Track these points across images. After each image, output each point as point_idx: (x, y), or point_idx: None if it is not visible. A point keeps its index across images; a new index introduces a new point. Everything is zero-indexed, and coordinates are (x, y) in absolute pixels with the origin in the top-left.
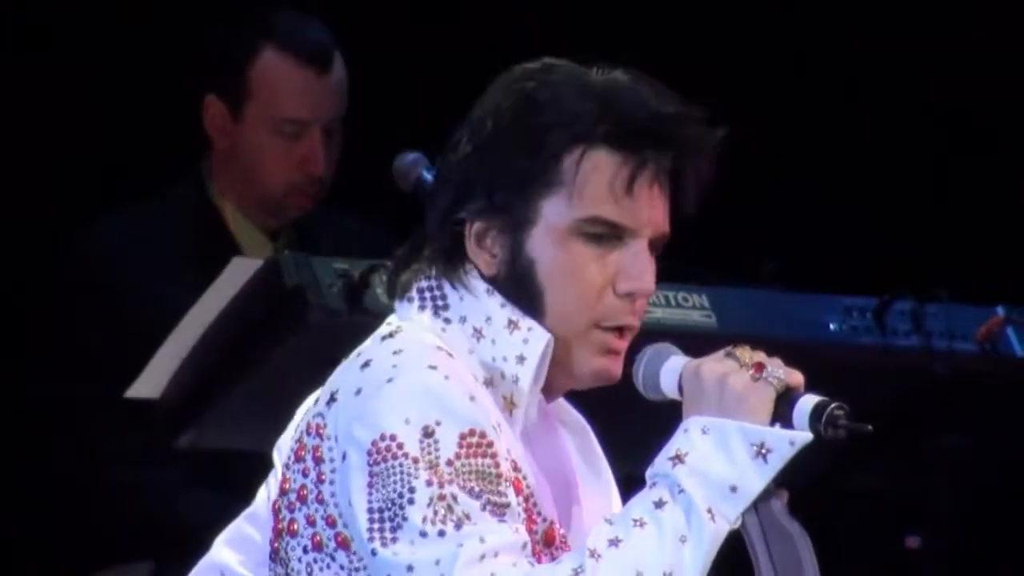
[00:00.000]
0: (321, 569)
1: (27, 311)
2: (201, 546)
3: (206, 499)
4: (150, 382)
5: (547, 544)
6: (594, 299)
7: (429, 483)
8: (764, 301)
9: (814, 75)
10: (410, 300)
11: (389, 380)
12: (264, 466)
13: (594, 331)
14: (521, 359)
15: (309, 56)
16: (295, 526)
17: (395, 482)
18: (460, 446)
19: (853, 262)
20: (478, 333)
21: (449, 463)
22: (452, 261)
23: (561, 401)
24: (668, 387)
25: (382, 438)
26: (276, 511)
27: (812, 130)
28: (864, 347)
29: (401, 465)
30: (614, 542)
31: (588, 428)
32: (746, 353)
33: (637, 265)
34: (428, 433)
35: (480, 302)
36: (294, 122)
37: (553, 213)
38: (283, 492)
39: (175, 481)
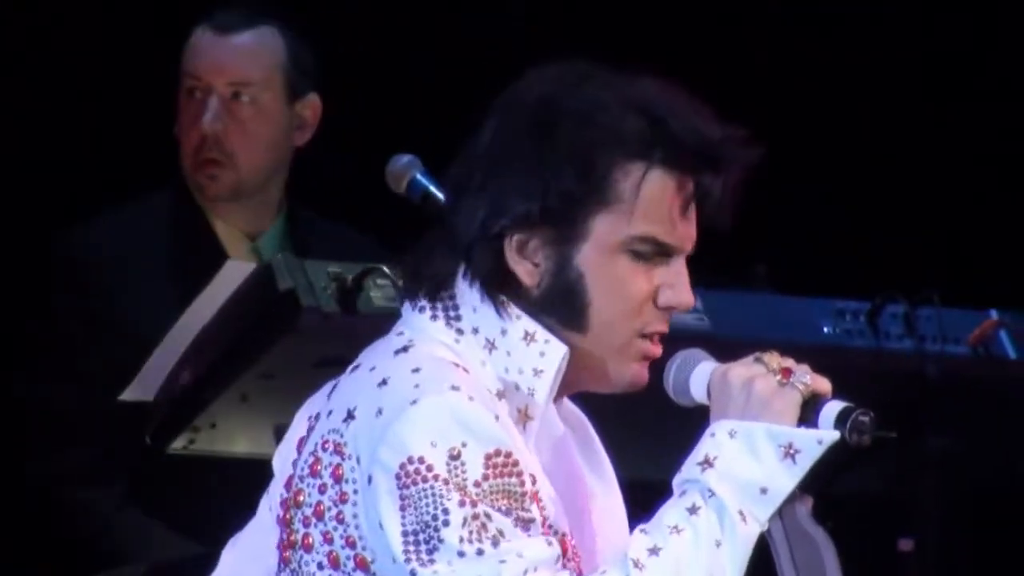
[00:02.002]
0: None
1: (7, 315)
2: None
3: (142, 522)
4: (144, 385)
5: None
6: (638, 310)
7: (462, 504)
8: (757, 304)
9: (807, 78)
10: (422, 309)
11: (413, 402)
12: (222, 478)
13: (636, 340)
14: (538, 372)
15: (215, 21)
16: (310, 540)
17: (428, 504)
18: (486, 467)
19: (846, 265)
20: (491, 344)
21: (476, 484)
22: (491, 272)
23: (564, 399)
24: (698, 392)
25: (410, 461)
26: (288, 521)
27: (807, 133)
28: (857, 350)
29: (432, 487)
30: (654, 551)
31: (588, 424)
32: (774, 359)
33: (680, 282)
34: (454, 456)
35: (495, 314)
36: (192, 77)
37: (605, 229)
38: (297, 504)
39: (112, 502)
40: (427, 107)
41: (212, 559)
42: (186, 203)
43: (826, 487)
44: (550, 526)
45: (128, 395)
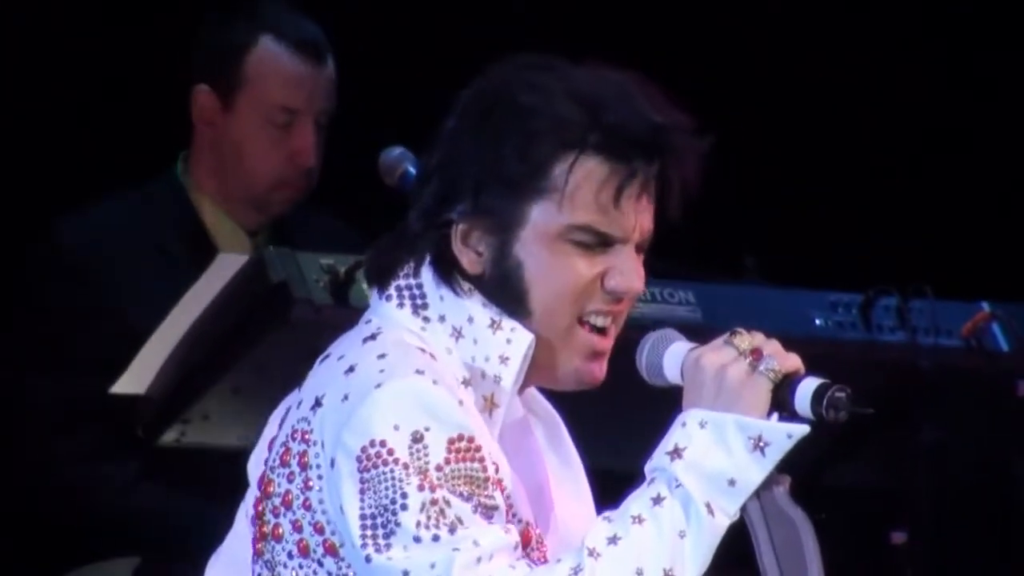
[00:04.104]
0: (308, 575)
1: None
2: (153, 543)
3: (159, 495)
4: (136, 377)
5: (523, 545)
6: (580, 293)
7: (420, 488)
8: (750, 296)
9: (799, 73)
10: (388, 298)
11: (377, 386)
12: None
13: (578, 331)
14: (504, 359)
15: (306, 46)
16: (280, 531)
17: (387, 488)
18: (449, 451)
19: (839, 257)
20: (457, 332)
21: (438, 468)
22: (437, 260)
23: (532, 390)
24: (671, 373)
25: (372, 444)
26: (260, 514)
27: (798, 127)
28: (849, 342)
29: (392, 471)
30: (613, 540)
31: (558, 417)
32: (744, 339)
33: (627, 267)
34: (417, 439)
35: (461, 302)
36: (287, 110)
37: (542, 218)
38: (267, 496)
39: (129, 477)
40: (415, 104)
41: (205, 554)
42: (181, 196)
43: (816, 478)
44: (514, 514)
45: (119, 388)
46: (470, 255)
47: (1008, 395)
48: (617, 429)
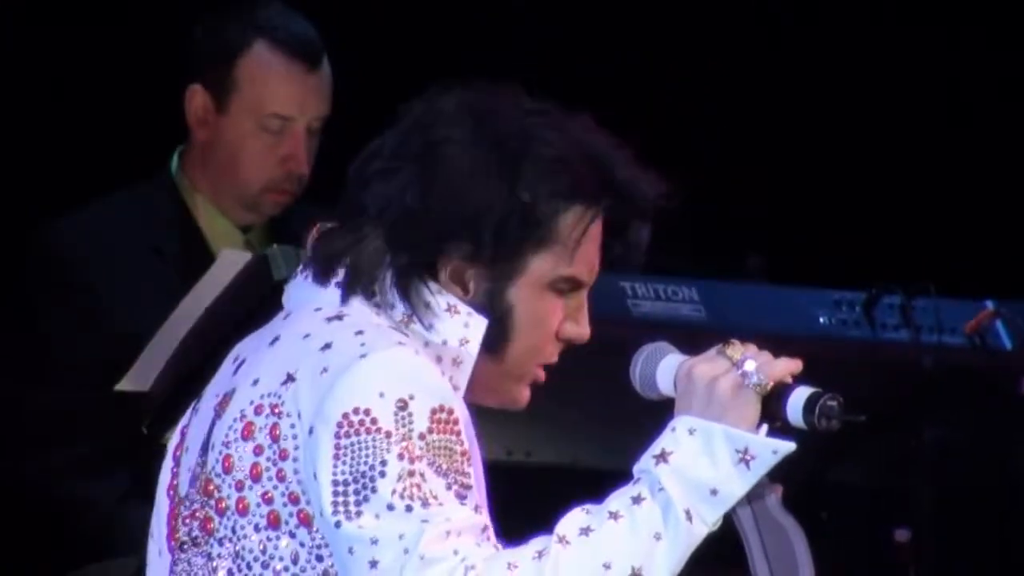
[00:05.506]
0: (276, 547)
1: None
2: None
3: (143, 515)
4: (140, 375)
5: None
6: (546, 343)
7: (401, 457)
8: (753, 294)
9: (802, 72)
10: (339, 286)
11: (362, 356)
12: None
13: (533, 369)
14: (464, 342)
15: (300, 51)
16: (245, 504)
17: (366, 455)
18: (432, 420)
19: (842, 256)
20: (409, 317)
21: (422, 437)
22: (418, 288)
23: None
24: (664, 386)
25: (355, 412)
26: (209, 493)
27: (802, 125)
28: (853, 341)
29: (374, 439)
30: (585, 531)
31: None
32: (737, 350)
33: (581, 315)
34: (402, 406)
35: (416, 288)
36: (279, 117)
37: (539, 267)
38: (227, 470)
39: (118, 496)
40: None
41: None
42: (174, 195)
43: (820, 476)
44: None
45: (124, 385)
46: (457, 290)
47: (1012, 393)
48: (615, 429)
